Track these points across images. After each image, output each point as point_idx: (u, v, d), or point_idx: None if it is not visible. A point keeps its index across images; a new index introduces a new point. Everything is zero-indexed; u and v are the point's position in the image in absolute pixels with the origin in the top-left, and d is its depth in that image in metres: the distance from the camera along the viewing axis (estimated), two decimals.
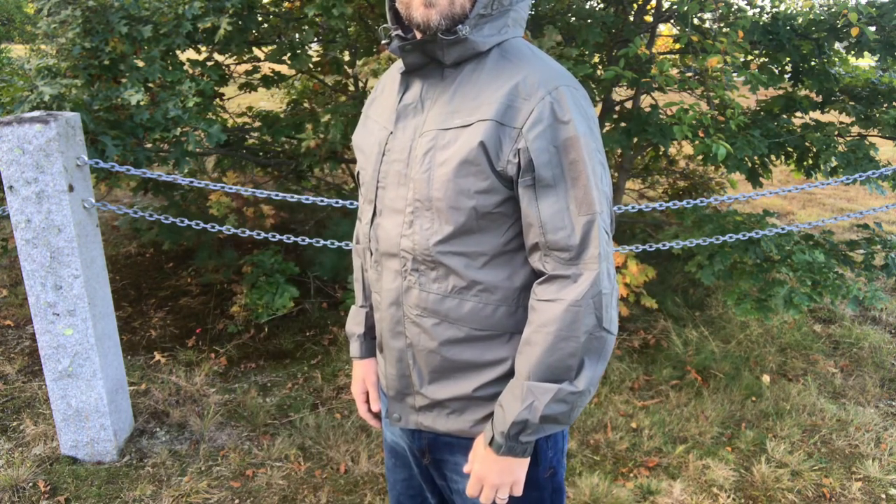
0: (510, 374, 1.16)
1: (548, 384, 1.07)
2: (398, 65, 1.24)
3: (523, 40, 1.17)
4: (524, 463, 1.14)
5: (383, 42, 1.19)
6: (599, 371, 1.09)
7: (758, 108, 3.87)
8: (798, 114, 3.88)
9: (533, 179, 1.06)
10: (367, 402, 1.44)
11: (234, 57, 4.04)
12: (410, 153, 1.13)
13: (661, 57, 3.32)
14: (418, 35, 1.14)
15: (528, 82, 1.07)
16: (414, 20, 1.08)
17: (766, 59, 3.66)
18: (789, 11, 3.59)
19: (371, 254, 1.22)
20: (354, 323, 1.43)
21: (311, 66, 3.96)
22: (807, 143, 3.60)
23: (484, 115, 1.07)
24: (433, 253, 1.12)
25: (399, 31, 1.16)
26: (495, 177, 1.07)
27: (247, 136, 4.46)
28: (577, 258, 1.06)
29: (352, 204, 2.67)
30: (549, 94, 1.06)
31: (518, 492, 1.16)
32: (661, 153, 4.63)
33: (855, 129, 3.70)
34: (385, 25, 1.17)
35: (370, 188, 1.20)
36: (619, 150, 4.07)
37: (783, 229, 3.03)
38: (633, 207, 2.72)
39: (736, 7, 3.50)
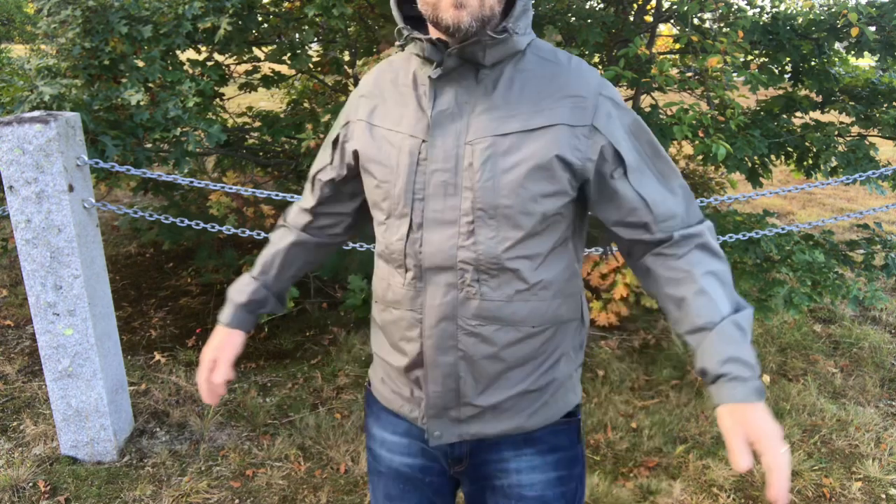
0: (559, 359, 1.19)
1: (743, 313, 1.11)
2: (398, 67, 1.20)
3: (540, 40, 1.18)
4: None
5: (397, 44, 1.15)
6: None
7: (758, 108, 3.87)
8: (798, 114, 3.88)
9: (624, 169, 1.11)
10: (212, 370, 1.33)
11: (234, 57, 4.04)
12: (458, 162, 1.09)
13: (661, 57, 3.32)
14: (440, 36, 1.09)
15: (581, 81, 1.11)
16: (443, 22, 1.04)
17: (766, 59, 3.66)
18: (789, 11, 3.59)
19: (407, 270, 1.15)
20: (239, 291, 1.36)
21: (311, 66, 3.96)
22: (807, 143, 3.60)
23: (551, 119, 1.08)
24: (502, 260, 1.10)
25: (416, 33, 1.10)
26: (569, 178, 1.10)
27: (247, 136, 4.46)
28: (687, 217, 1.16)
29: None
30: (602, 88, 1.12)
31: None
32: None
33: (855, 129, 3.70)
34: (400, 27, 1.12)
35: (402, 201, 1.13)
36: None
37: (783, 229, 3.03)
38: None
39: (736, 7, 3.50)
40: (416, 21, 1.15)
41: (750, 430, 1.05)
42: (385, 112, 1.17)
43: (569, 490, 1.25)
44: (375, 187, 1.17)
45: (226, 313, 1.36)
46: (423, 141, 1.11)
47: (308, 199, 1.36)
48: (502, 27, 1.06)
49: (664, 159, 1.16)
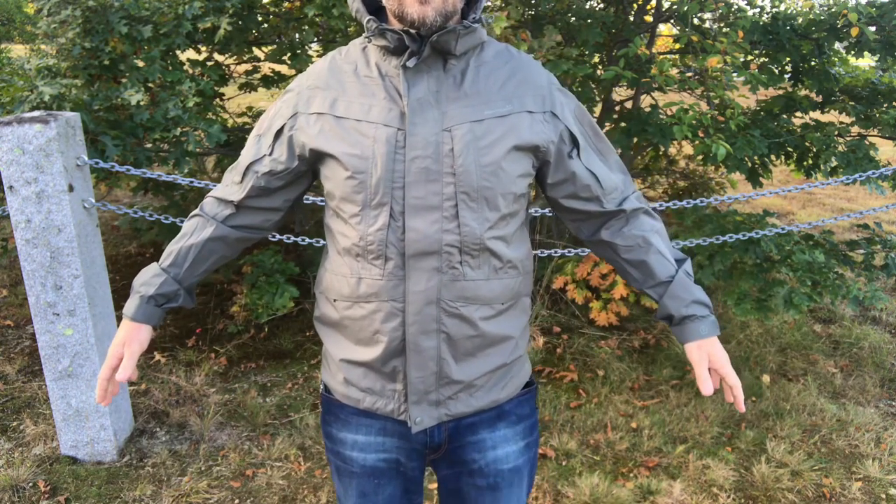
0: (523, 332, 1.28)
1: (686, 261, 1.32)
2: (355, 58, 1.20)
3: None
4: None
5: (365, 35, 1.17)
6: None
7: (758, 108, 3.87)
8: (798, 114, 3.88)
9: (578, 150, 1.24)
10: (114, 368, 1.28)
11: (234, 57, 4.04)
12: (438, 148, 1.12)
13: (661, 57, 3.32)
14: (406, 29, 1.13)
15: (536, 73, 1.22)
16: (408, 17, 1.08)
17: (766, 59, 3.66)
18: (789, 11, 3.58)
19: (387, 260, 1.15)
20: (146, 283, 1.29)
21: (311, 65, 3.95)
22: (807, 143, 3.60)
23: (519, 106, 1.17)
24: (483, 240, 1.16)
25: (385, 25, 1.13)
26: (534, 160, 1.21)
27: (247, 136, 4.46)
28: (624, 187, 1.32)
29: None
30: (552, 80, 1.24)
31: None
32: (661, 153, 4.64)
33: (855, 129, 3.70)
34: (370, 18, 1.14)
35: (379, 190, 1.13)
36: (619, 150, 4.07)
37: (783, 229, 3.03)
38: None
39: (736, 7, 3.50)
40: (374, 13, 1.19)
41: (713, 359, 1.26)
42: (349, 103, 1.17)
43: (532, 454, 1.36)
44: (348, 179, 1.15)
45: (131, 306, 1.29)
46: (399, 129, 1.12)
47: (234, 191, 1.30)
48: (473, 17, 1.14)
49: (602, 138, 1.30)
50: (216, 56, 3.84)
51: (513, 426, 1.30)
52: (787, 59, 3.57)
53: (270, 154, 1.24)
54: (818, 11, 3.51)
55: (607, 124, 3.96)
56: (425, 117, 1.12)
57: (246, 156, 1.28)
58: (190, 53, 3.61)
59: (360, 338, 1.21)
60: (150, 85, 3.02)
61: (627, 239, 1.30)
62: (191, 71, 3.36)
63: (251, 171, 1.27)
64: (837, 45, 3.62)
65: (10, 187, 2.34)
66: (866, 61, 3.90)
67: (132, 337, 1.27)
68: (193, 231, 1.32)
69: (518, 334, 1.27)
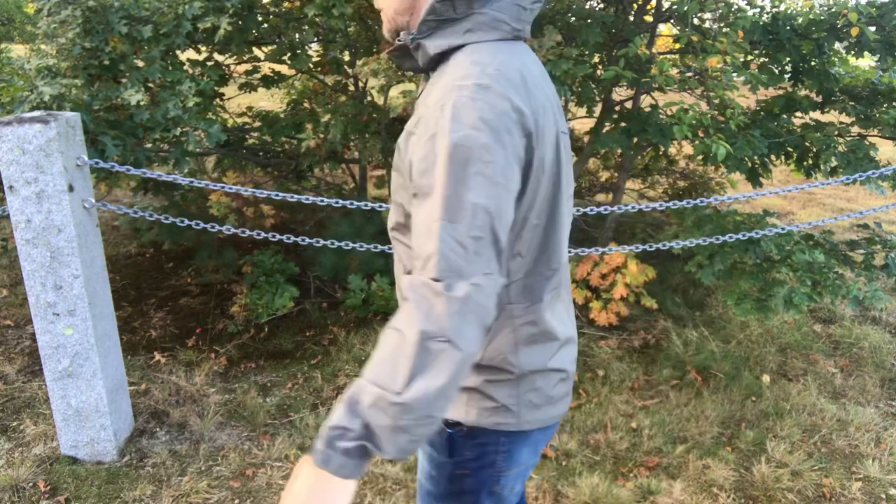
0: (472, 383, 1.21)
1: (373, 386, 0.93)
2: None
3: (485, 44, 1.09)
4: (342, 490, 0.94)
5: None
6: (433, 386, 0.92)
7: (758, 108, 3.87)
8: (798, 114, 3.88)
9: (416, 187, 1.02)
10: None
11: (234, 57, 4.04)
12: None
13: (661, 57, 3.32)
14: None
15: (440, 88, 1.05)
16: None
17: (766, 59, 3.66)
18: (789, 11, 3.58)
19: None
20: None
21: (311, 66, 3.96)
22: (807, 143, 3.60)
23: (412, 124, 1.11)
24: (391, 235, 1.22)
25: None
26: (409, 182, 1.09)
27: (247, 136, 4.47)
28: (424, 264, 0.98)
29: (352, 204, 2.67)
30: (442, 101, 1.02)
31: None
32: (661, 153, 4.64)
33: (855, 129, 3.69)
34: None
35: None
36: (619, 150, 4.08)
37: (783, 229, 3.03)
38: (633, 207, 2.72)
39: (736, 7, 3.50)
40: None
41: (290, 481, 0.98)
42: None
43: (438, 493, 1.26)
44: None
45: None
46: None
47: None
48: (405, 34, 1.16)
49: (443, 196, 0.98)
50: (216, 56, 3.84)
51: (428, 444, 1.26)
52: (787, 59, 3.56)
53: None
54: (818, 11, 3.51)
55: (607, 124, 3.97)
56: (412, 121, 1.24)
57: None
58: (190, 53, 3.61)
59: None
60: (150, 85, 3.02)
61: None
62: (191, 71, 3.36)
63: None
64: (837, 45, 3.62)
65: (10, 187, 2.34)
66: (866, 61, 3.90)
67: None
68: None
69: None
